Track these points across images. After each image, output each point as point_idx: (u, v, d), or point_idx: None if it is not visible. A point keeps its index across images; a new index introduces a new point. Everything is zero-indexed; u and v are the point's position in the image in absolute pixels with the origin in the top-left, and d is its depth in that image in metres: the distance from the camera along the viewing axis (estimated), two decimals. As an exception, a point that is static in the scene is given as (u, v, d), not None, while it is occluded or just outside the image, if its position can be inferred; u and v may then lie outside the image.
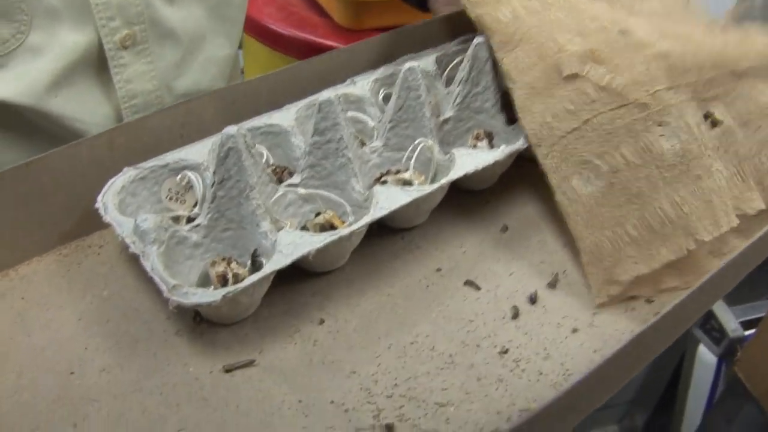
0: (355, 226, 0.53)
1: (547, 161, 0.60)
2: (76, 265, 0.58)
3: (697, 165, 0.59)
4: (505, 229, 0.62)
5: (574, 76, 0.60)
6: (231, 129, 0.53)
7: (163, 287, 0.49)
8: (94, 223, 0.58)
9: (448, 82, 0.69)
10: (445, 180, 0.57)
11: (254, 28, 1.16)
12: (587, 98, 0.59)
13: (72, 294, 0.56)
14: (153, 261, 0.51)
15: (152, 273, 0.50)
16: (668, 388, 1.18)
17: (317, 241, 0.52)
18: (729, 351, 1.06)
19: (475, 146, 0.64)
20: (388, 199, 0.55)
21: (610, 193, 0.57)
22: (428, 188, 0.57)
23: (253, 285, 0.50)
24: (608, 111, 0.58)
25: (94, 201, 0.56)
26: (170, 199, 0.59)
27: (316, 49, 1.05)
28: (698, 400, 1.10)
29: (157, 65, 0.67)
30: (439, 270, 0.58)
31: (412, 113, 0.61)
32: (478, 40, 0.64)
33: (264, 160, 0.61)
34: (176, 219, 0.58)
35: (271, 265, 0.51)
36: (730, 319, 1.07)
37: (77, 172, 0.59)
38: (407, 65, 0.60)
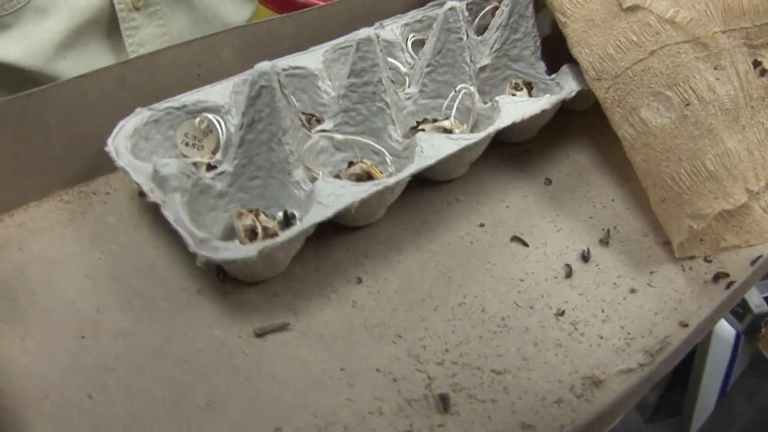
0: (400, 176, 0.46)
1: (610, 94, 0.53)
2: (80, 214, 0.50)
3: (743, 115, 0.53)
4: (548, 182, 0.55)
5: (636, 8, 0.53)
6: (264, 65, 0.45)
7: (190, 240, 0.42)
8: (99, 167, 0.51)
9: (478, 32, 0.61)
10: (492, 128, 0.50)
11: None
12: (651, 30, 0.53)
13: (77, 247, 0.48)
14: (176, 211, 0.43)
15: (176, 224, 0.42)
16: (682, 363, 1.12)
17: (360, 191, 0.44)
18: (752, 327, 1.01)
19: (513, 96, 0.57)
20: (434, 148, 0.48)
21: (684, 125, 0.51)
22: (475, 136, 0.49)
23: (291, 240, 0.43)
24: (674, 44, 0.52)
25: (100, 142, 0.48)
26: (186, 144, 0.51)
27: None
28: (715, 376, 1.04)
29: (170, 29, 0.60)
30: (482, 225, 0.52)
31: (452, 57, 0.54)
32: (519, -20, 0.56)
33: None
34: (194, 166, 0.50)
35: (312, 217, 0.43)
36: (753, 294, 1.01)
37: (83, 109, 0.50)
38: (449, 4, 0.53)
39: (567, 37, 0.55)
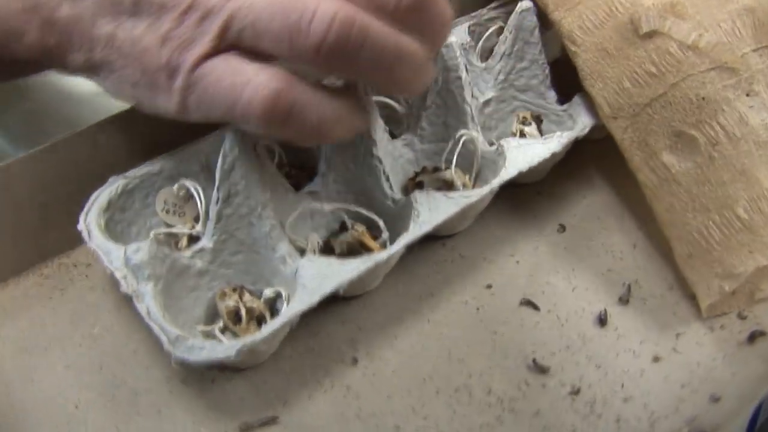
0: (392, 249, 0.41)
1: (628, 135, 0.47)
2: (59, 291, 0.46)
3: None
4: (562, 229, 0.50)
5: (653, 34, 0.46)
6: (235, 135, 0.40)
7: (164, 338, 0.38)
8: (78, 235, 0.46)
9: (483, 55, 0.55)
10: (496, 182, 0.44)
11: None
12: (672, 59, 0.46)
13: (57, 331, 0.44)
14: (149, 304, 0.39)
15: (149, 320, 0.38)
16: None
17: (348, 271, 0.40)
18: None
19: (521, 132, 0.51)
20: (431, 211, 0.43)
21: (711, 169, 0.45)
22: (476, 193, 0.44)
23: (274, 333, 0.38)
24: (698, 74, 0.45)
25: (77, 210, 0.44)
26: (167, 212, 0.46)
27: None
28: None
29: None
30: (489, 287, 0.46)
31: (452, 98, 0.48)
32: (522, 5, 0.50)
33: (276, 161, 0.49)
34: (175, 235, 0.46)
35: (296, 305, 0.39)
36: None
37: (55, 179, 0.46)
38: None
39: (578, 68, 0.49)
